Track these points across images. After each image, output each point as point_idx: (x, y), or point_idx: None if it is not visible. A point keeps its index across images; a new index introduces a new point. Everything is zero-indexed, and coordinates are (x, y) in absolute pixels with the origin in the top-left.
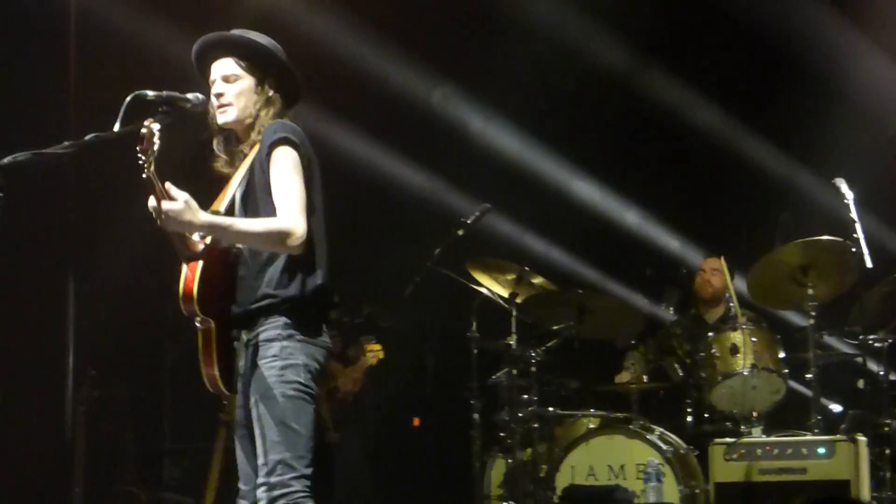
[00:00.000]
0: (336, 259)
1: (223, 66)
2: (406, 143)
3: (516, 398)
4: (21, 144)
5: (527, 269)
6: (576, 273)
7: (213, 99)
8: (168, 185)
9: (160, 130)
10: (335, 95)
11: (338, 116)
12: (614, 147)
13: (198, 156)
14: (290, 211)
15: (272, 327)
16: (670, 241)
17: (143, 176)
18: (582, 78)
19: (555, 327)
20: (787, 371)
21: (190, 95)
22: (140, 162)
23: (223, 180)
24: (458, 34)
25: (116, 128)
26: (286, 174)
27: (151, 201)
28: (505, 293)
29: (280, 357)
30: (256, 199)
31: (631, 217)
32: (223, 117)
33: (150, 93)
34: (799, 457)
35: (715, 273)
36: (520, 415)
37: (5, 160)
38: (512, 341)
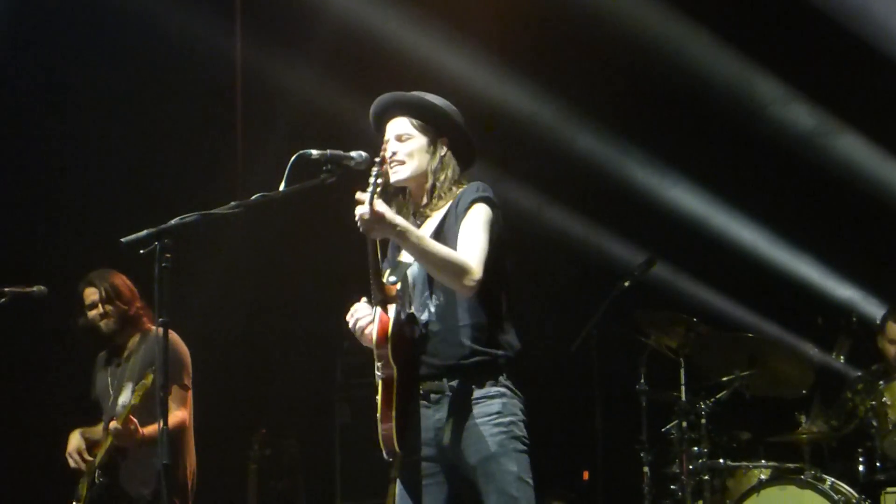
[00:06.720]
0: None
1: (397, 126)
2: (572, 195)
3: (687, 450)
4: (190, 205)
5: (695, 320)
6: (745, 324)
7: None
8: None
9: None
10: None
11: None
12: (788, 196)
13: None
14: (472, 254)
15: (490, 384)
16: (843, 290)
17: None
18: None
19: (724, 378)
20: None
21: (353, 154)
22: (373, 181)
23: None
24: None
25: (282, 187)
26: (478, 227)
27: (362, 208)
28: (674, 344)
29: (504, 413)
30: (448, 243)
31: (803, 266)
32: (395, 175)
33: (315, 152)
34: None
35: None
36: (690, 467)
37: (173, 221)
38: (681, 393)
